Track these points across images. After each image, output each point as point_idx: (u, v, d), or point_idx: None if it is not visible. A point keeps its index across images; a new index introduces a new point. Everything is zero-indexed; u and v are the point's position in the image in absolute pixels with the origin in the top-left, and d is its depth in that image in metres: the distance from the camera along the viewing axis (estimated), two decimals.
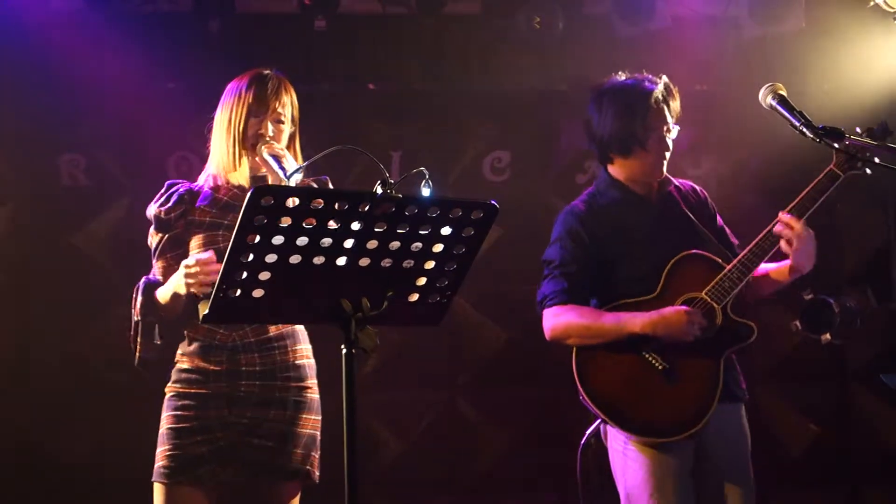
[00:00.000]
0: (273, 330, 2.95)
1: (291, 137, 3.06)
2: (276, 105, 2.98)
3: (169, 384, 2.97)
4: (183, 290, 2.79)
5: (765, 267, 3.28)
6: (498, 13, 5.32)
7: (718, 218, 3.45)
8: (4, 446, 4.88)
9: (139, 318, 2.94)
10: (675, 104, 3.31)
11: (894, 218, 5.54)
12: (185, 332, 2.98)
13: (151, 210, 2.99)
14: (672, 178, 3.39)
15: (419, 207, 2.10)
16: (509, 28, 5.27)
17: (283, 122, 3.00)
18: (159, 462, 2.89)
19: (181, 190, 2.99)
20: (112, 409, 4.88)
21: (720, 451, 3.20)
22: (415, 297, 2.24)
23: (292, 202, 2.01)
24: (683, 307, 3.12)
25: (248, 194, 1.98)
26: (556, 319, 3.22)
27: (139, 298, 2.95)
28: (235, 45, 5.11)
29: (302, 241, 2.05)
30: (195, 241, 2.94)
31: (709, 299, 3.16)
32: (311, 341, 3.06)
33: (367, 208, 2.05)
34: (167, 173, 4.97)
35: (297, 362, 2.97)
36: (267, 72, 3.04)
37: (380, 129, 5.43)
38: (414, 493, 5.21)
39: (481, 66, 5.41)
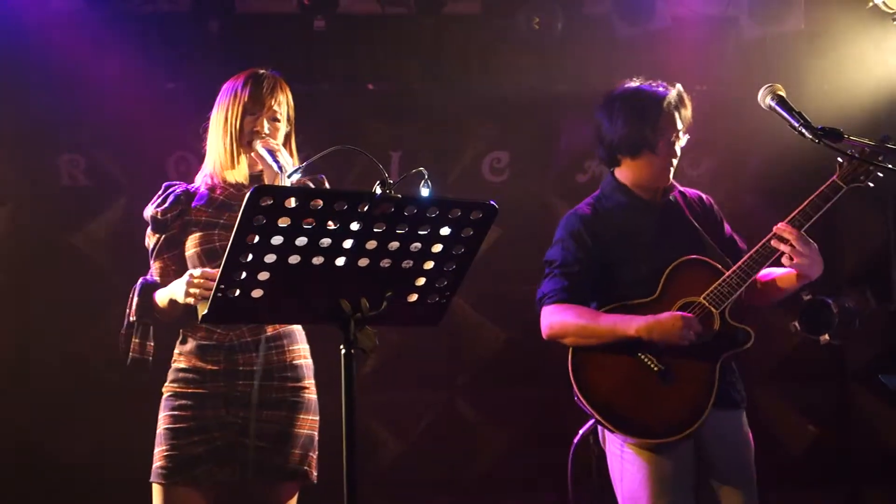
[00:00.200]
0: (270, 330, 2.95)
1: (287, 136, 3.06)
2: (272, 103, 2.98)
3: (166, 384, 2.97)
4: (181, 299, 2.78)
5: (770, 273, 3.27)
6: (498, 13, 5.32)
7: (726, 226, 3.45)
8: (4, 446, 4.89)
9: (134, 318, 2.94)
10: (687, 112, 3.32)
11: (893, 219, 5.54)
12: (182, 331, 2.98)
13: (148, 211, 3.00)
14: (678, 185, 3.40)
15: (418, 208, 2.10)
16: (509, 28, 5.27)
17: (278, 120, 3.01)
18: (157, 462, 2.89)
19: (178, 191, 3.00)
20: (112, 409, 4.88)
21: (722, 458, 3.20)
22: (414, 297, 2.24)
23: (291, 202, 2.01)
24: (680, 312, 3.12)
25: (248, 194, 1.98)
26: (553, 317, 3.23)
27: (135, 299, 2.95)
28: (235, 45, 5.11)
29: (301, 241, 2.05)
30: (191, 241, 2.94)
31: (707, 304, 3.16)
32: (310, 341, 3.06)
33: (366, 208, 2.05)
34: (166, 173, 4.98)
35: (294, 362, 2.97)
36: (262, 71, 3.04)
37: (379, 129, 5.43)
38: (413, 494, 5.21)
39: (481, 66, 5.41)
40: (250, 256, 2.05)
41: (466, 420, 5.45)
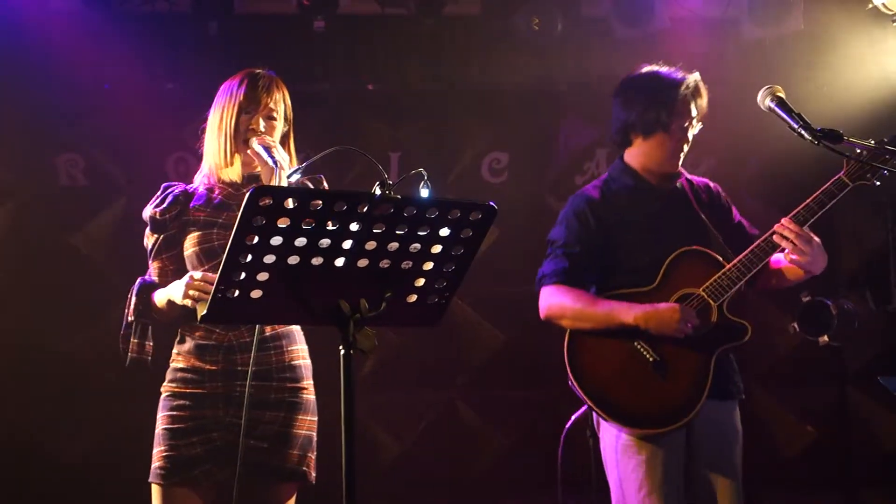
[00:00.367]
0: (269, 330, 2.94)
1: (285, 136, 3.06)
2: (268, 101, 2.98)
3: (164, 384, 2.96)
4: (179, 301, 2.78)
5: (780, 260, 3.27)
6: (497, 14, 5.33)
7: (735, 212, 3.46)
8: (4, 446, 4.89)
9: (133, 318, 2.94)
10: (702, 102, 3.33)
11: (892, 220, 5.54)
12: (180, 330, 2.98)
13: (147, 211, 3.00)
14: (685, 172, 3.40)
15: (418, 208, 2.10)
16: (508, 29, 5.28)
17: (274, 119, 3.00)
18: (155, 463, 2.88)
19: (176, 191, 3.00)
20: (111, 408, 4.89)
21: (711, 447, 3.21)
22: (413, 297, 2.24)
23: (290, 203, 2.01)
24: (677, 304, 3.13)
25: (247, 195, 1.97)
26: (551, 299, 3.23)
27: (133, 299, 2.95)
28: (234, 45, 5.11)
29: (300, 241, 2.05)
30: (190, 240, 2.94)
31: (706, 296, 3.17)
32: (309, 342, 3.06)
33: (365, 209, 2.05)
34: (166, 173, 4.98)
35: (292, 363, 2.97)
36: (258, 70, 3.04)
37: (379, 129, 5.44)
38: (413, 494, 5.21)
39: (480, 66, 5.41)
40: (249, 257, 2.04)
41: (466, 420, 5.45)
